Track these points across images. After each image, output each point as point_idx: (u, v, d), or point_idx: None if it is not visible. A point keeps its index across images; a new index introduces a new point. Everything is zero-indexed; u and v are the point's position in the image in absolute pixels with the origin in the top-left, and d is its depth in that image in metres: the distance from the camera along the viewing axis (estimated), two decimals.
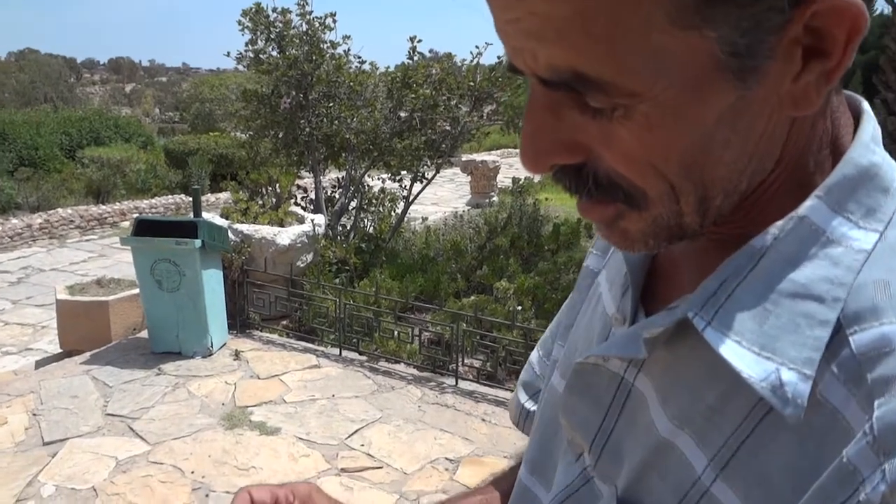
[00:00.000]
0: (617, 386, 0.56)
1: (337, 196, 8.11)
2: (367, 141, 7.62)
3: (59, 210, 11.70)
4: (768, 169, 0.46)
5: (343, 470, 3.71)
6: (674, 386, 0.50)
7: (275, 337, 5.71)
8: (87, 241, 11.03)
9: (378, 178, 8.33)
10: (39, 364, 5.40)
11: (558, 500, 0.62)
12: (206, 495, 3.44)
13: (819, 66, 0.42)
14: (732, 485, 0.45)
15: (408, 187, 8.04)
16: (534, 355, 0.83)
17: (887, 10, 9.37)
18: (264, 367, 5.01)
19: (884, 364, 0.40)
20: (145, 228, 4.95)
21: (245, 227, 6.00)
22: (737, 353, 0.44)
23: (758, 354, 0.43)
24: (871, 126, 0.49)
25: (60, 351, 5.57)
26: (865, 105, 0.51)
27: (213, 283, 5.16)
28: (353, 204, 8.05)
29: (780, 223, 0.46)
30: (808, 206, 0.45)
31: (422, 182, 7.91)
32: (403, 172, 7.87)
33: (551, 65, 0.42)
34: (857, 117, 0.50)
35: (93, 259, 9.75)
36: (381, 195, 8.12)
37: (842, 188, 0.46)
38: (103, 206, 12.46)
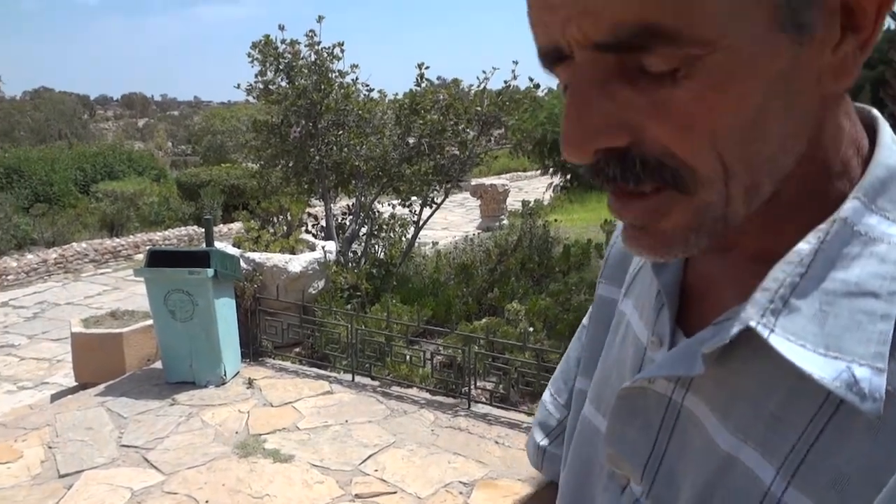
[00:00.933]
0: (665, 408, 0.55)
1: (347, 223, 8.15)
2: (377, 167, 7.67)
3: (74, 244, 11.82)
4: (808, 157, 0.47)
5: (357, 496, 3.69)
6: (732, 400, 0.49)
7: (287, 364, 5.71)
8: (101, 274, 11.12)
9: (388, 204, 8.38)
10: (55, 397, 5.43)
11: None
12: None
13: (853, 39, 0.44)
14: (805, 491, 0.44)
15: (418, 212, 8.07)
16: (546, 396, 0.83)
17: (893, 25, 9.40)
18: (277, 395, 5.01)
19: None
20: (158, 259, 4.99)
21: (257, 256, 6.05)
22: (805, 357, 0.44)
23: (824, 356, 0.43)
24: (888, 130, 0.51)
25: (76, 384, 5.59)
26: (877, 113, 0.52)
27: (225, 311, 5.19)
28: (364, 230, 8.08)
29: (823, 226, 0.46)
30: (847, 207, 0.46)
31: (431, 207, 7.95)
32: (413, 198, 7.91)
33: (617, 22, 0.40)
34: (869, 126, 0.52)
35: (107, 292, 9.83)
36: (392, 221, 8.15)
37: (875, 189, 0.47)
38: (117, 240, 12.57)
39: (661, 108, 0.42)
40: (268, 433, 4.40)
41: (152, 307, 5.07)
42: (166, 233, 13.52)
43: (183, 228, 14.04)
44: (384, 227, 8.17)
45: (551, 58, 0.45)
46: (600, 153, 0.45)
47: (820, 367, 0.43)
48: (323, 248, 6.60)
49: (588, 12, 0.41)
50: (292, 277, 6.02)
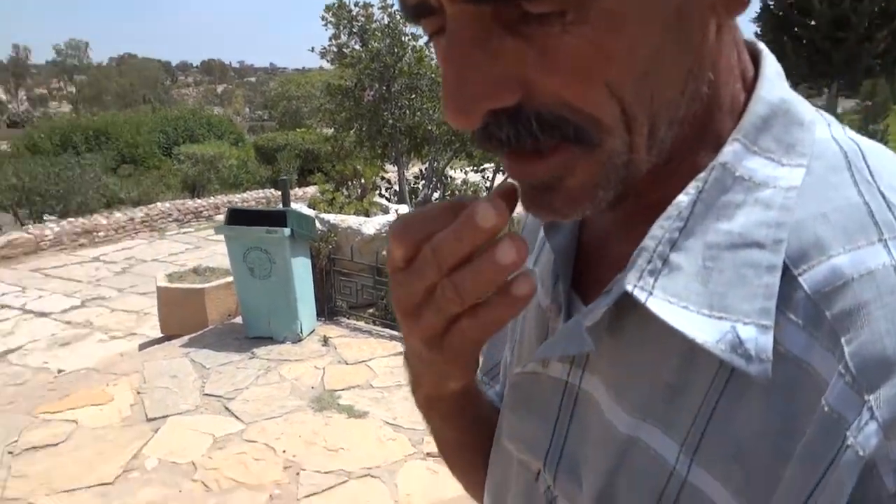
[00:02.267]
0: (562, 393, 0.51)
1: (420, 188, 8.21)
2: (450, 132, 7.67)
3: (158, 204, 12.31)
4: (703, 94, 0.43)
5: (428, 454, 3.76)
6: (626, 376, 0.46)
7: (361, 324, 5.83)
8: (183, 233, 11.56)
9: (461, 170, 8.38)
10: (142, 347, 5.72)
11: None
12: (297, 473, 3.56)
13: None
14: (710, 467, 0.40)
15: (490, 178, 8.05)
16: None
17: None
18: (351, 353, 5.13)
19: (840, 298, 0.37)
20: (238, 218, 5.15)
21: (331, 217, 6.16)
22: (687, 319, 0.40)
23: (708, 316, 0.40)
24: (772, 62, 0.47)
25: (161, 335, 5.87)
26: (762, 45, 0.48)
27: (301, 270, 5.33)
28: (436, 195, 8.12)
29: (702, 175, 0.43)
30: (727, 151, 0.43)
31: (504, 173, 7.91)
32: (486, 164, 7.89)
33: None
34: (754, 58, 0.48)
35: (189, 250, 10.21)
36: (464, 187, 8.16)
37: (756, 128, 0.43)
38: (198, 200, 13.02)
39: (551, 58, 0.38)
40: (342, 389, 4.52)
41: (232, 264, 5.25)
42: (244, 195, 13.91)
43: (260, 191, 14.42)
44: (457, 192, 8.19)
45: (416, 10, 0.41)
46: (489, 115, 0.40)
47: (703, 329, 0.39)
48: (396, 211, 6.67)
49: None
50: (366, 239, 6.11)
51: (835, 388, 0.35)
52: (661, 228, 0.42)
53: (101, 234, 10.85)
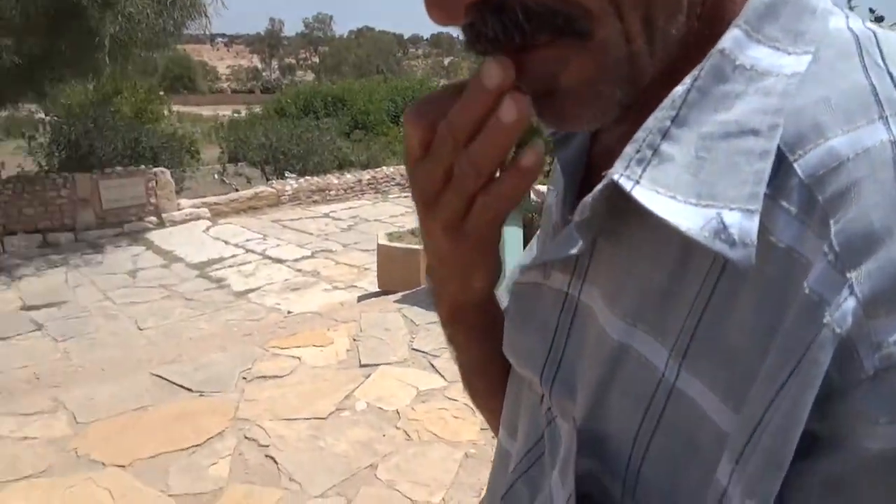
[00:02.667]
0: (562, 305, 0.49)
1: None
2: None
3: (384, 168, 13.09)
4: None
5: None
6: (621, 280, 0.43)
7: None
8: (404, 197, 12.17)
9: None
10: (361, 299, 6.13)
11: (520, 454, 0.55)
12: (493, 437, 3.61)
13: None
14: (697, 372, 0.38)
15: None
16: None
17: None
18: None
19: (834, 180, 0.33)
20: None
21: (543, 189, 6.13)
22: (673, 209, 0.37)
23: (695, 205, 0.36)
24: None
25: (378, 290, 6.25)
26: None
27: (513, 240, 5.36)
28: None
29: (700, 64, 0.39)
30: (727, 37, 0.39)
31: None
32: None
33: None
34: None
35: (408, 214, 10.74)
36: None
37: (760, 14, 0.39)
38: None
39: None
40: None
41: None
42: None
43: None
44: None
45: None
46: (472, 10, 0.39)
47: (689, 217, 0.36)
48: None
49: None
50: None
51: (817, 268, 0.32)
52: (654, 119, 0.39)
53: (332, 192, 11.78)
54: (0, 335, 6.13)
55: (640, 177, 0.38)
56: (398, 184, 12.66)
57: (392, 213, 10.75)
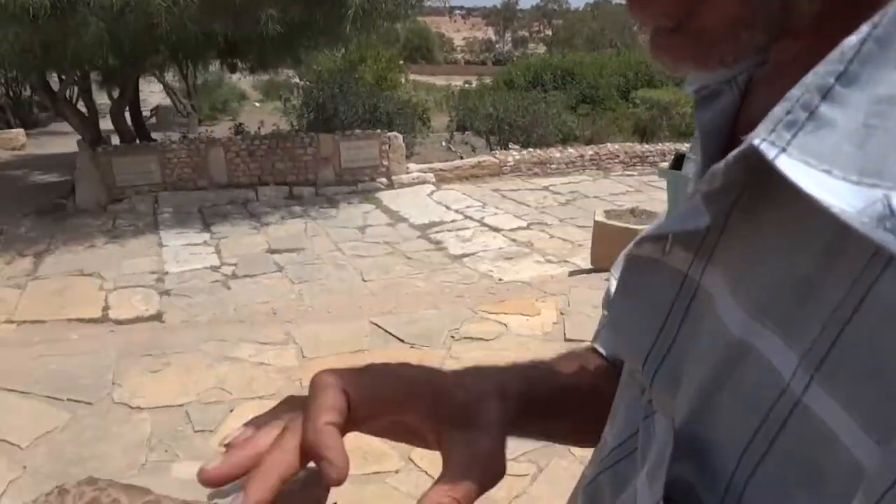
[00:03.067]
0: (679, 287, 0.42)
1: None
2: None
3: (608, 145, 12.79)
4: None
5: None
6: (752, 267, 0.37)
7: None
8: (627, 175, 11.84)
9: None
10: (571, 274, 6.09)
11: (611, 445, 0.50)
12: None
13: None
14: (833, 388, 0.30)
15: None
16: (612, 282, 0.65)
17: None
18: None
19: None
20: (684, 164, 5.03)
21: None
22: (827, 186, 0.29)
23: (857, 183, 0.29)
24: None
25: (590, 267, 6.16)
26: None
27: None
28: None
29: (883, 9, 0.30)
30: None
31: None
32: None
33: None
34: None
35: (630, 193, 10.44)
36: None
37: None
38: (646, 146, 13.15)
39: None
40: None
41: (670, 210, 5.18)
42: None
43: None
44: None
45: None
46: None
47: (845, 197, 0.29)
48: None
49: None
50: None
51: None
52: (814, 74, 0.32)
53: (552, 166, 11.76)
54: (249, 272, 6.95)
55: (789, 143, 0.32)
56: (621, 161, 12.32)
57: (612, 191, 10.51)
